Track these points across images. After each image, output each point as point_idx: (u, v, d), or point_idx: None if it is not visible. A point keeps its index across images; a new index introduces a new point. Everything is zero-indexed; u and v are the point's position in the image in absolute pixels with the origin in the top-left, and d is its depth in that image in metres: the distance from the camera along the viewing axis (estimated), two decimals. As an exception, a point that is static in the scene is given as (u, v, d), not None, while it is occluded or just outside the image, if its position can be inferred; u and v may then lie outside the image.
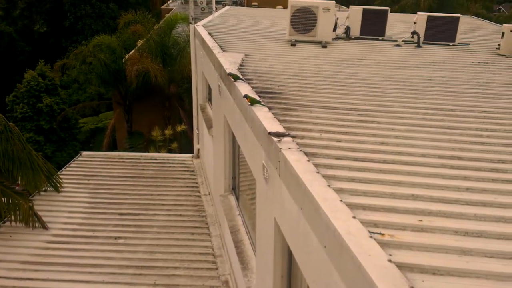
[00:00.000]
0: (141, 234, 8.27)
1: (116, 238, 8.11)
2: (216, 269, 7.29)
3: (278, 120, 4.30)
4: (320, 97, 5.37)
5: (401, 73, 6.90)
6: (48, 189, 9.48)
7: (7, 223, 8.46)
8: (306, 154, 3.53)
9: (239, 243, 5.95)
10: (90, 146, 20.60)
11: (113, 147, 19.17)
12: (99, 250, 7.75)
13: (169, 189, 10.00)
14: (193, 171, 10.93)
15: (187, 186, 10.18)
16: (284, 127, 4.08)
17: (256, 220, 4.87)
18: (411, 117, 4.75)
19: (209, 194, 9.55)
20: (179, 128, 16.18)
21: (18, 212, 8.23)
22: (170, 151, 15.65)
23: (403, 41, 9.34)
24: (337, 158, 3.57)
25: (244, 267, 5.51)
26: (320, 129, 4.20)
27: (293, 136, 3.88)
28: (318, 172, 3.21)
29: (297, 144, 3.73)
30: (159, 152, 14.87)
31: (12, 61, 30.25)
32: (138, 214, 8.90)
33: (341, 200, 2.84)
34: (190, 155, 11.86)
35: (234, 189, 7.09)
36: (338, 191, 2.97)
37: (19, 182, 9.97)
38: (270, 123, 4.14)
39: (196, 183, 10.32)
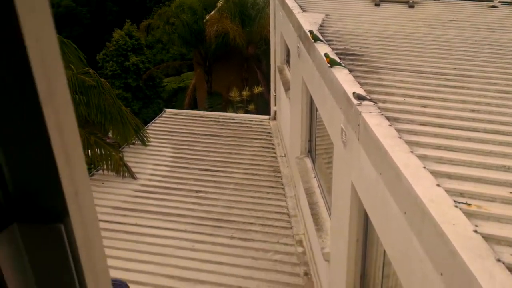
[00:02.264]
0: (219, 189, 8.68)
1: (196, 191, 8.60)
2: (291, 228, 7.49)
3: (359, 83, 4.19)
4: (405, 60, 5.11)
5: (496, 36, 6.30)
6: (136, 142, 10.22)
7: (100, 172, 9.33)
8: (387, 118, 3.43)
9: (314, 205, 6.04)
10: (172, 104, 21.60)
11: (193, 106, 19.96)
12: (182, 202, 8.30)
13: (246, 148, 10.28)
14: (269, 133, 11.10)
15: (263, 147, 10.39)
16: (365, 90, 3.98)
17: (332, 183, 4.89)
18: (506, 84, 4.37)
19: (285, 156, 9.68)
20: (257, 89, 16.35)
21: (110, 162, 9.02)
22: (247, 112, 15.96)
23: (499, 1, 8.43)
24: (422, 124, 3.43)
25: (319, 229, 5.61)
26: (403, 93, 4.04)
27: (374, 100, 3.78)
28: (400, 138, 3.12)
29: (378, 108, 3.63)
30: (236, 113, 15.23)
31: (101, 20, 32.13)
32: (217, 171, 9.31)
33: (424, 167, 2.76)
34: (267, 116, 12.00)
35: (310, 151, 7.12)
36: (422, 157, 2.88)
37: (110, 135, 10.88)
38: (350, 86, 4.05)
39: (272, 144, 10.48)
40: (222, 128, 11.32)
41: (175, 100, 22.65)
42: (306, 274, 6.57)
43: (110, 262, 6.73)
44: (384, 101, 3.79)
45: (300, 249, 7.04)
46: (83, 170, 0.50)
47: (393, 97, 3.90)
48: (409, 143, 3.07)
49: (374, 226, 3.41)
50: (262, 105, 16.66)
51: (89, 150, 8.88)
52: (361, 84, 4.13)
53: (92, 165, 12.37)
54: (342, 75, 4.31)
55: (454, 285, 2.10)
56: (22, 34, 0.37)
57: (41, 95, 0.41)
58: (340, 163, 4.44)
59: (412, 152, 2.94)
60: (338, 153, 4.45)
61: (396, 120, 3.44)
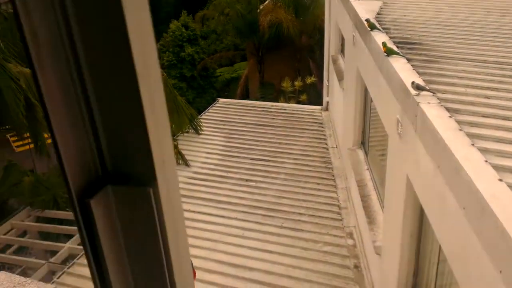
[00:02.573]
0: (269, 179, 8.75)
1: (247, 180, 8.73)
2: (341, 220, 7.43)
3: (418, 72, 4.05)
4: (467, 49, 4.86)
5: None
6: (190, 131, 10.51)
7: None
8: (447, 109, 3.30)
9: (366, 198, 5.95)
10: (225, 94, 21.91)
11: (245, 96, 20.14)
12: (232, 190, 8.46)
13: (297, 139, 10.26)
14: (321, 123, 11.00)
15: (315, 138, 10.32)
16: (424, 80, 3.85)
17: (386, 175, 4.79)
18: None
19: (336, 147, 9.57)
20: (309, 80, 16.20)
21: (165, 150, 9.32)
22: (299, 102, 15.88)
23: None
24: (484, 116, 3.27)
25: (371, 221, 5.53)
26: (465, 83, 3.86)
27: (433, 90, 3.65)
28: (461, 130, 3.00)
29: (438, 98, 3.50)
30: (288, 103, 15.20)
31: (158, 11, 33.06)
32: (268, 160, 9.38)
33: (486, 161, 2.64)
34: (319, 107, 11.89)
35: (363, 143, 7.00)
36: (483, 151, 2.76)
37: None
38: (408, 76, 3.93)
39: (324, 135, 10.39)
40: (273, 118, 11.36)
41: (228, 90, 22.95)
42: (356, 267, 6.50)
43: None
44: (444, 92, 3.65)
45: (350, 242, 6.97)
46: (170, 143, 0.55)
47: (454, 88, 3.74)
48: (470, 135, 2.94)
49: (429, 221, 3.32)
50: (314, 95, 16.51)
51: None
52: (420, 74, 3.99)
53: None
54: (400, 65, 4.18)
55: (515, 283, 2.01)
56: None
57: (138, 71, 0.46)
58: (394, 155, 4.34)
59: (473, 145, 2.83)
60: (393, 145, 4.35)
61: (456, 111, 3.30)
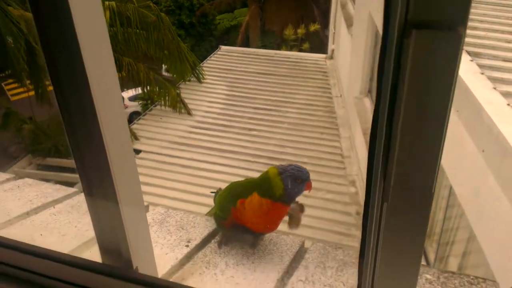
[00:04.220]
0: (272, 128, 8.72)
1: (250, 129, 8.69)
2: (344, 168, 7.48)
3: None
4: (487, -8, 4.67)
5: None
6: (192, 79, 10.33)
7: (158, 107, 9.59)
8: (468, 53, 3.21)
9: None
10: (224, 43, 21.41)
11: (246, 44, 19.67)
12: (235, 139, 8.44)
13: (301, 88, 10.13)
14: (325, 72, 10.82)
15: (319, 87, 10.19)
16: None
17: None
18: None
19: (340, 96, 9.47)
20: (313, 27, 15.76)
21: (167, 98, 9.22)
22: (301, 51, 15.55)
23: None
24: (506, 60, 3.18)
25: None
26: (486, 27, 3.73)
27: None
28: (482, 73, 2.93)
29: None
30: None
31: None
32: (271, 110, 9.30)
33: (508, 104, 2.59)
34: (324, 55, 11.65)
35: (370, 91, 6.90)
36: (505, 94, 2.70)
37: (163, 71, 11.03)
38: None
39: (328, 84, 10.25)
40: (277, 67, 11.15)
41: (228, 38, 22.39)
42: (358, 213, 6.62)
43: (166, 193, 7.10)
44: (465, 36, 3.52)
45: (352, 189, 7.05)
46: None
47: (474, 31, 3.62)
48: (492, 79, 2.87)
49: (442, 166, 3.31)
50: (317, 44, 16.15)
51: (148, 86, 9.09)
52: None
53: (150, 100, 12.74)
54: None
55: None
56: None
57: None
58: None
59: (495, 88, 2.76)
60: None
61: (477, 55, 3.21)
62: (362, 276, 0.76)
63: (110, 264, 0.91)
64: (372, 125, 0.61)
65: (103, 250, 0.91)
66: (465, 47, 3.26)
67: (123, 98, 13.14)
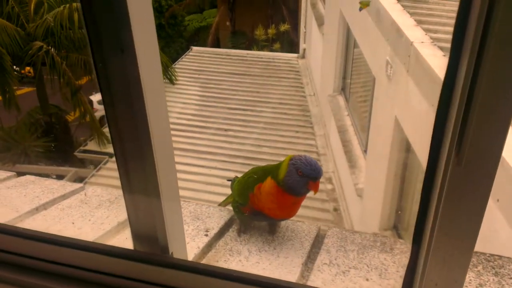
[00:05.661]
0: (248, 128, 8.73)
1: (226, 130, 8.67)
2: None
3: (408, 12, 4.00)
4: (454, -10, 4.82)
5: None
6: (164, 80, 10.21)
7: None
8: (441, 49, 3.30)
9: (347, 143, 6.04)
10: (194, 44, 21.28)
11: (216, 45, 19.59)
12: (211, 140, 8.40)
13: (274, 87, 10.19)
14: (298, 71, 10.91)
15: (292, 86, 10.27)
16: (415, 20, 3.80)
17: (371, 119, 4.84)
18: None
19: (314, 95, 9.57)
20: (283, 27, 15.86)
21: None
22: (272, 51, 15.63)
23: None
24: (477, 55, 3.29)
25: (352, 165, 5.64)
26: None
27: (426, 30, 3.62)
28: (456, 68, 3.01)
29: (430, 38, 3.48)
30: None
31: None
32: (245, 110, 9.31)
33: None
34: (295, 55, 11.75)
35: (344, 89, 7.00)
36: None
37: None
38: (399, 16, 3.88)
39: (301, 83, 10.34)
40: (249, 67, 11.17)
41: (198, 39, 22.24)
42: (335, 209, 6.71)
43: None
44: (436, 31, 3.63)
45: (329, 186, 7.14)
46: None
47: (444, 28, 3.73)
48: (465, 73, 2.96)
49: (419, 159, 3.40)
50: (287, 44, 16.27)
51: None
52: (411, 14, 3.95)
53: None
54: (390, 5, 4.11)
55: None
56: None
57: None
58: (382, 98, 4.36)
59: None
60: (380, 87, 4.36)
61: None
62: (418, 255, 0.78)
63: (145, 251, 0.95)
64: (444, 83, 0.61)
65: (138, 237, 0.94)
66: (437, 43, 3.36)
67: (92, 101, 12.85)
